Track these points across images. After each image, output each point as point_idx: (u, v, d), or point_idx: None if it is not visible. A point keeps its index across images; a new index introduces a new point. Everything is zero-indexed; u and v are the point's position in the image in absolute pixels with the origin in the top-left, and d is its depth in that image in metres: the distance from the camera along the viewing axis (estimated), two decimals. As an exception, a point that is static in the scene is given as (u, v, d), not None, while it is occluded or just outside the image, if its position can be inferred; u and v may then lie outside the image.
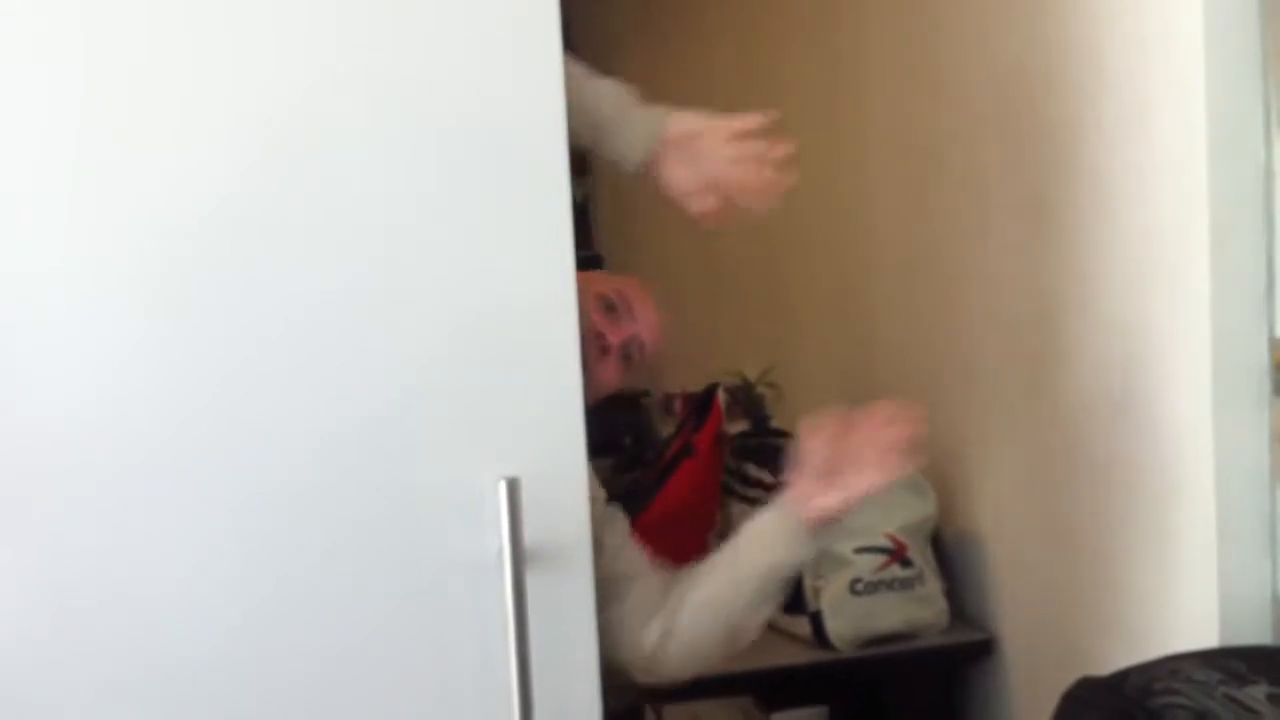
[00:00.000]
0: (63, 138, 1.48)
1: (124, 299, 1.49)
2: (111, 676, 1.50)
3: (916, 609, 2.43)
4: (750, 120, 1.78)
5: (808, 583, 2.40)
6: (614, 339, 1.88)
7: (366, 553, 1.55)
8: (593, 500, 1.65)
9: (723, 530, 2.62)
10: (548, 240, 1.59)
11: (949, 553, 2.54)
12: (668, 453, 2.70)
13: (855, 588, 2.39)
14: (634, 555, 1.85)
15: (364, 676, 1.56)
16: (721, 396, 2.65)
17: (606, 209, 5.29)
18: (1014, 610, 2.41)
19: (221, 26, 1.51)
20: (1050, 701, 1.74)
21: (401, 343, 1.56)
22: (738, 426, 2.78)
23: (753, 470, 2.64)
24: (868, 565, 2.40)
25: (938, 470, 2.54)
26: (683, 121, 1.79)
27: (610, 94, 1.78)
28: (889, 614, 2.41)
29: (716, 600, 1.80)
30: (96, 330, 1.49)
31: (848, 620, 2.39)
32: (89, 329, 1.49)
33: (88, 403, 1.48)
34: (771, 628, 2.49)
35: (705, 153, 1.77)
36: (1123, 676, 1.66)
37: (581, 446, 1.60)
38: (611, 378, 1.91)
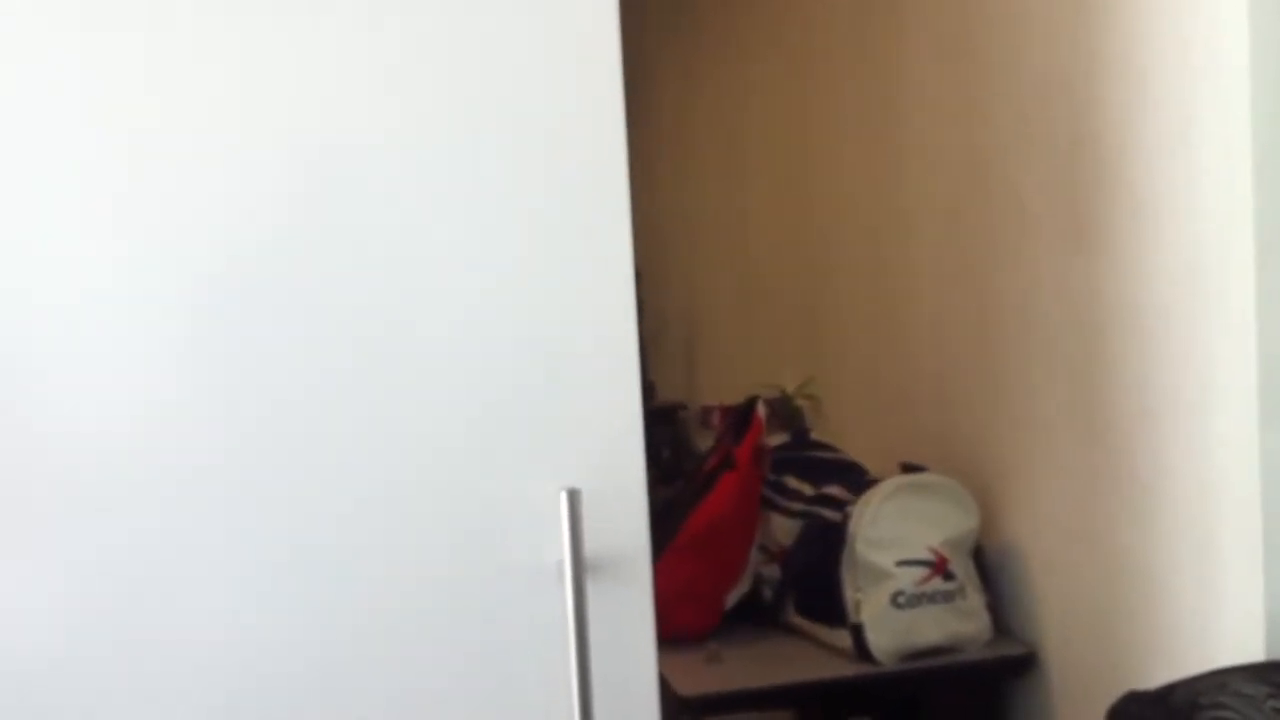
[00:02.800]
0: (107, 154, 1.51)
1: (182, 309, 1.52)
2: (173, 683, 1.52)
3: (958, 622, 2.42)
4: None
5: (849, 595, 2.40)
6: None
7: (426, 564, 1.57)
8: None
9: (762, 542, 2.63)
10: (608, 253, 1.61)
11: (991, 566, 2.54)
12: (707, 465, 2.70)
13: (897, 600, 2.39)
14: None
15: (425, 687, 1.58)
16: (761, 409, 2.66)
17: (640, 221, 5.30)
18: (1056, 624, 2.40)
19: (278, 41, 1.53)
20: (1092, 716, 1.74)
21: (464, 356, 1.58)
22: (777, 439, 2.78)
23: (792, 482, 2.65)
24: (909, 578, 2.40)
25: (980, 483, 2.54)
26: None
27: None
28: (931, 627, 2.41)
29: None
30: (155, 337, 1.52)
31: (889, 633, 2.39)
32: (147, 338, 1.52)
33: (146, 414, 1.51)
34: (813, 640, 2.50)
35: None
36: (1169, 690, 1.65)
37: (641, 458, 1.62)
38: None
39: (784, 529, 2.61)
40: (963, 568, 2.44)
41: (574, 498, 1.54)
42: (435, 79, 1.57)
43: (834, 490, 2.55)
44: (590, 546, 1.56)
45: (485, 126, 1.58)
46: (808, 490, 2.61)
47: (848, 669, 2.41)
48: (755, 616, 2.61)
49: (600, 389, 1.60)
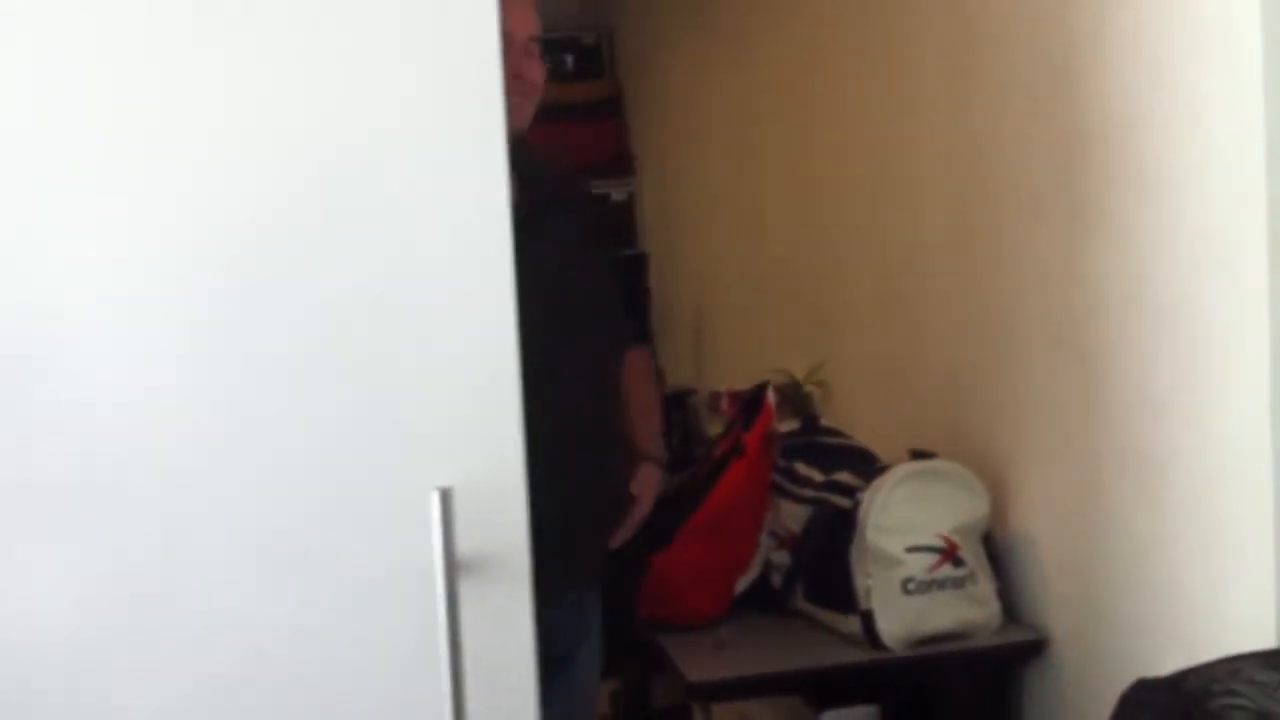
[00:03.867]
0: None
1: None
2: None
3: (968, 609, 2.42)
4: None
5: (859, 582, 2.40)
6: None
7: (302, 561, 1.58)
8: None
9: (772, 529, 2.63)
10: (486, 252, 1.60)
11: (1001, 552, 2.53)
12: (717, 452, 2.70)
13: (907, 587, 2.39)
14: None
15: (302, 688, 1.59)
16: (771, 395, 2.65)
17: (651, 208, 5.30)
18: (1066, 610, 2.39)
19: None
20: (1103, 702, 1.74)
21: (335, 356, 1.58)
22: (786, 425, 2.78)
23: (802, 469, 2.64)
24: (920, 565, 2.39)
25: (989, 469, 2.53)
26: None
27: None
28: (941, 614, 2.40)
29: None
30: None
31: (899, 620, 2.39)
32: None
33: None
34: (822, 626, 2.50)
35: None
36: (1181, 677, 1.65)
37: (520, 456, 1.61)
38: (536, 74, 2.13)
39: (794, 515, 2.60)
40: (973, 554, 2.44)
41: (446, 497, 1.54)
42: (298, 81, 1.57)
43: (844, 477, 2.54)
44: (468, 546, 1.55)
45: (356, 129, 1.58)
46: (817, 476, 2.60)
47: (857, 655, 2.40)
48: (765, 602, 2.61)
49: (478, 388, 1.60)
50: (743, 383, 3.03)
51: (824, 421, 2.86)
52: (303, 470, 1.58)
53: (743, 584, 2.61)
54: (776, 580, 2.61)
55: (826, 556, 2.47)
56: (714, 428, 3.53)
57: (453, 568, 1.54)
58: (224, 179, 1.55)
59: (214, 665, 1.57)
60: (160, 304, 1.55)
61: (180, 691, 1.56)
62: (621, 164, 5.31)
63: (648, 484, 2.38)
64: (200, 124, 1.55)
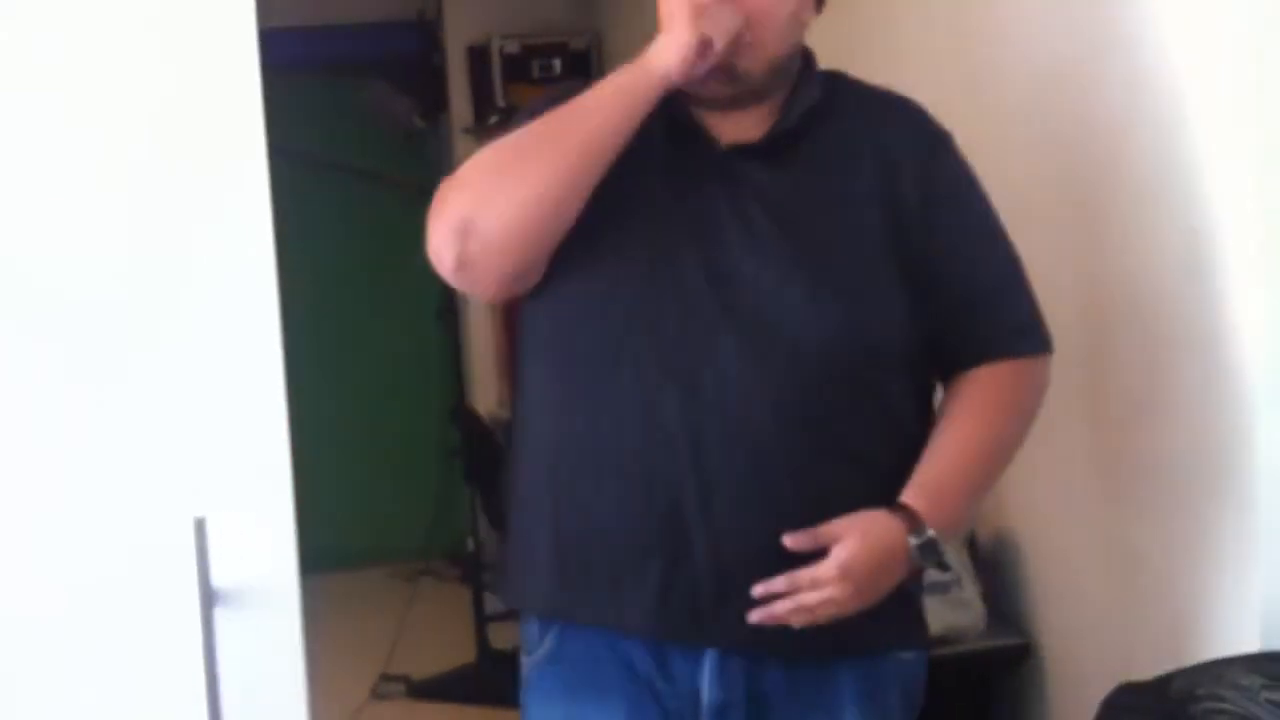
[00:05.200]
0: None
1: None
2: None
3: (953, 613, 2.41)
4: None
5: (844, 586, 2.39)
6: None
7: (61, 598, 1.56)
8: None
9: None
10: (250, 276, 1.58)
11: (987, 556, 2.52)
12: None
13: (892, 591, 2.38)
14: None
15: (53, 714, 1.57)
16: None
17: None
18: (1052, 614, 2.39)
19: None
20: (1089, 706, 1.73)
21: (93, 380, 1.55)
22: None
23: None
24: (904, 569, 2.38)
25: (974, 473, 2.52)
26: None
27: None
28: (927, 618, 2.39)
29: None
30: None
31: (884, 624, 2.38)
32: None
33: None
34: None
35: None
36: (1165, 682, 1.64)
37: (288, 486, 1.59)
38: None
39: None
40: (958, 558, 2.43)
41: (200, 527, 1.52)
42: (54, 95, 1.54)
43: (829, 480, 2.53)
44: (235, 575, 1.54)
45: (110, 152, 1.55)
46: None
47: (843, 660, 2.39)
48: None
49: (244, 416, 1.58)
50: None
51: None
52: (62, 498, 1.55)
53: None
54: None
55: (812, 560, 2.46)
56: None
57: (209, 597, 1.53)
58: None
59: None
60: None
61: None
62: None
63: None
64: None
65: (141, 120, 1.56)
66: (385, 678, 4.06)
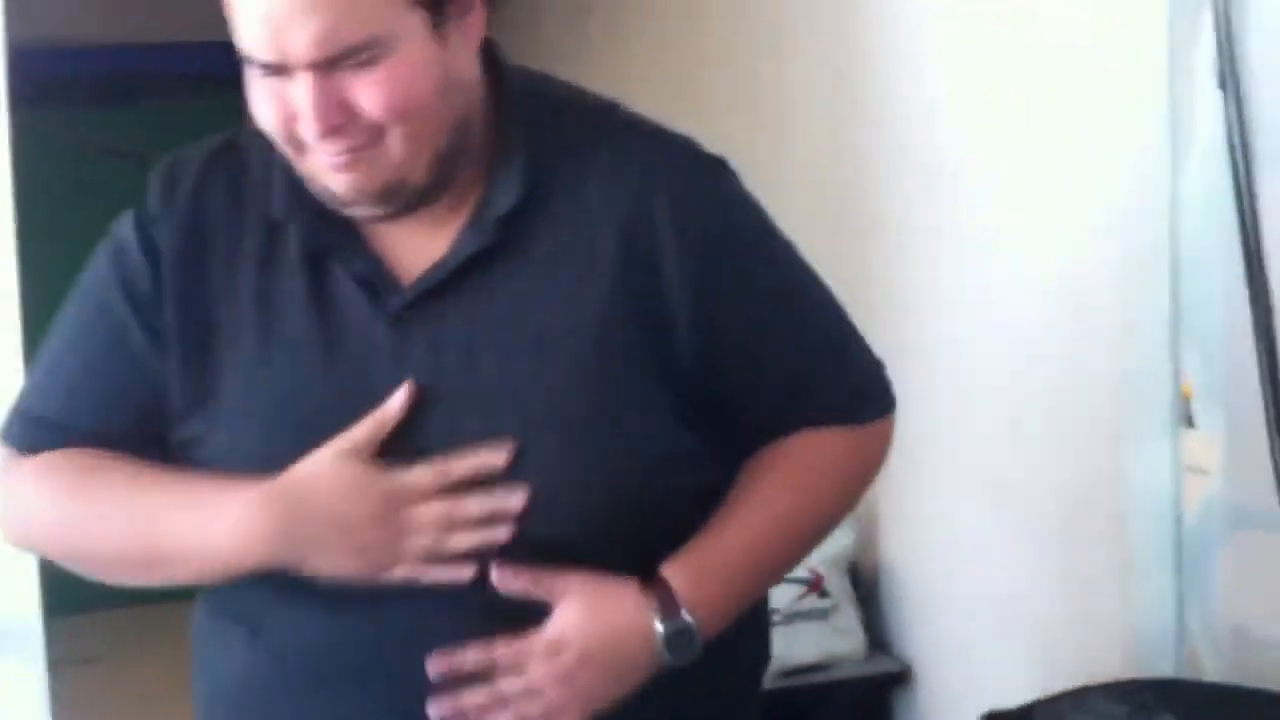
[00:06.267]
0: None
1: None
2: None
3: (833, 640, 2.42)
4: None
5: (725, 613, 2.38)
6: None
7: None
8: None
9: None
10: None
11: (867, 583, 2.53)
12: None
13: (772, 619, 2.37)
14: None
15: None
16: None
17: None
18: (930, 640, 2.40)
19: None
20: (962, 734, 1.73)
21: None
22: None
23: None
24: (786, 596, 2.39)
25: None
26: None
27: None
28: (806, 645, 2.40)
29: None
30: None
31: (765, 651, 2.38)
32: None
33: None
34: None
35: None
36: (1029, 710, 1.65)
37: None
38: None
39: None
40: (838, 585, 2.44)
41: None
42: None
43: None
44: None
45: None
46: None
47: (724, 687, 2.38)
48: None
49: None
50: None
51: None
52: None
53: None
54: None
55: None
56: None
57: None
58: None
59: None
60: None
61: None
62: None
63: None
64: None
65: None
66: None
